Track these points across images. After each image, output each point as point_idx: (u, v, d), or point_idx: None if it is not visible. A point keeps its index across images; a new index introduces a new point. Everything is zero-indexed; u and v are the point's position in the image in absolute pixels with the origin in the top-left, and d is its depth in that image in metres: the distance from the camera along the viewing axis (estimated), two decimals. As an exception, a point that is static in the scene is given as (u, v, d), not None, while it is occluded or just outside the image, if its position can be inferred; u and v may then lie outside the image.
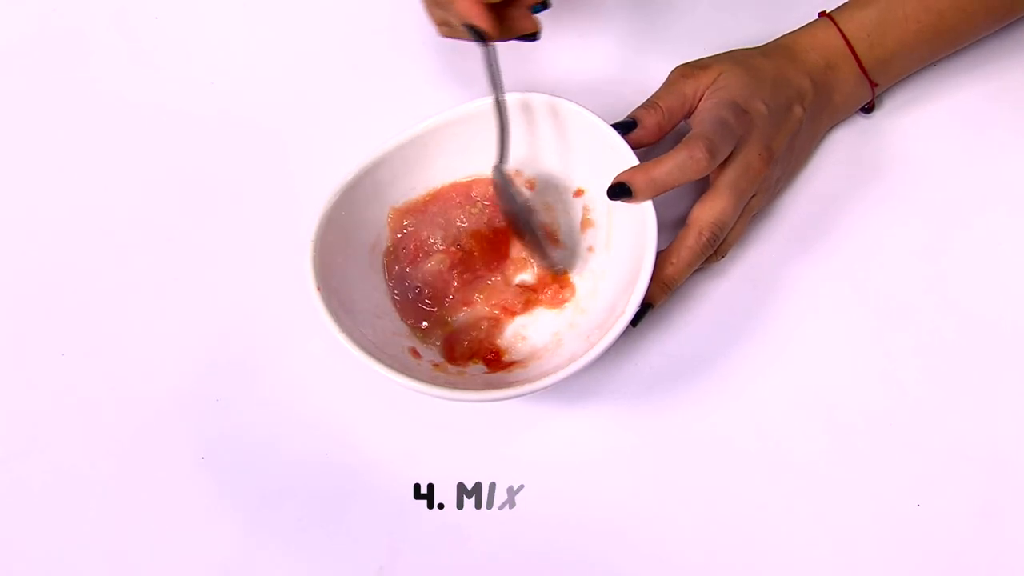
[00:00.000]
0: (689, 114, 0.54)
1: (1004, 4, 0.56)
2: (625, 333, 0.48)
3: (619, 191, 0.50)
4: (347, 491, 0.52)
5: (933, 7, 0.55)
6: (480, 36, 0.50)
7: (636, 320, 0.50)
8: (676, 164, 0.49)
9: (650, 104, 0.54)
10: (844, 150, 0.59)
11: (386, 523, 0.51)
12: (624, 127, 0.53)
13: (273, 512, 0.52)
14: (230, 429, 0.54)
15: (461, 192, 0.56)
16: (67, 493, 0.53)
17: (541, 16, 0.53)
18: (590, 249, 0.55)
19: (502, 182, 0.53)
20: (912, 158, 0.59)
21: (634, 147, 0.52)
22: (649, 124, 0.54)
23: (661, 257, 0.51)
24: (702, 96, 0.54)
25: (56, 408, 0.55)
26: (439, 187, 0.56)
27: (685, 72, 0.55)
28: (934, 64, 0.60)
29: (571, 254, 0.55)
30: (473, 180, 0.56)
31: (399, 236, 0.55)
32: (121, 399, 0.55)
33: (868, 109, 0.59)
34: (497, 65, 0.52)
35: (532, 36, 0.53)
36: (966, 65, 0.60)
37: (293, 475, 0.53)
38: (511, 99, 0.54)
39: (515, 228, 0.55)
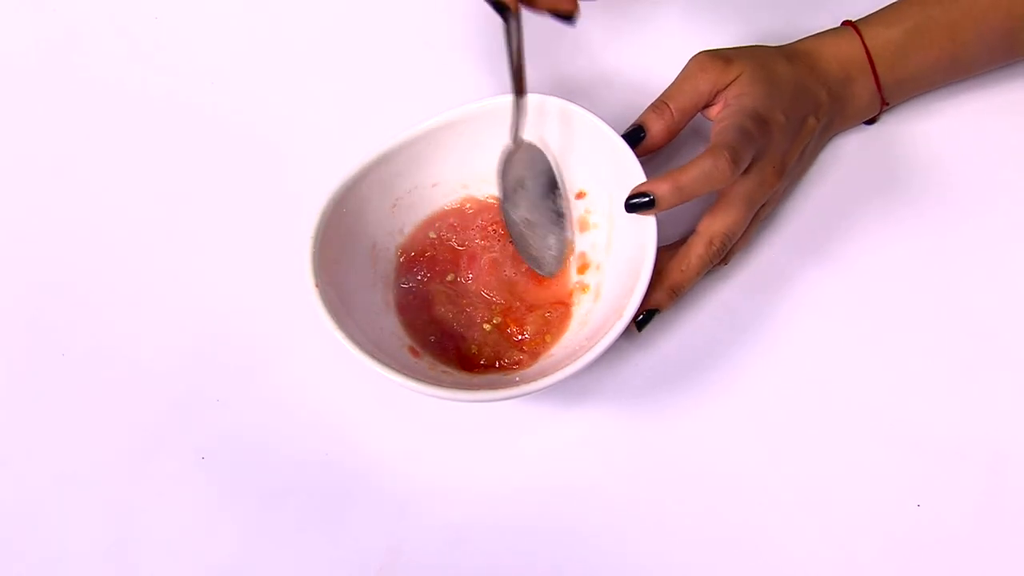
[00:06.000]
0: (703, 108, 0.54)
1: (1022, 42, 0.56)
2: (625, 334, 0.48)
3: (640, 202, 0.49)
4: (347, 491, 0.52)
5: (958, 37, 0.55)
6: (501, 7, 0.47)
7: (641, 325, 0.50)
8: (701, 173, 0.48)
9: (660, 106, 0.53)
10: (850, 155, 0.59)
11: (386, 523, 0.51)
12: (632, 137, 0.53)
13: (273, 512, 0.52)
14: (230, 429, 0.54)
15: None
16: (67, 493, 0.53)
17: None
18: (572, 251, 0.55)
19: (503, 167, 0.54)
20: (917, 163, 0.59)
21: (642, 155, 0.52)
22: (656, 131, 0.53)
23: (670, 264, 0.51)
24: (719, 92, 0.53)
25: (56, 408, 0.55)
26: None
27: (705, 64, 0.53)
28: None
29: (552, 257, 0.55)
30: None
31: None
32: (121, 399, 0.55)
33: (871, 120, 0.59)
34: (519, 42, 0.49)
35: (568, 18, 0.47)
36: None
37: (293, 475, 0.53)
38: (513, 100, 0.54)
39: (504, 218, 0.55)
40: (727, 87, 0.53)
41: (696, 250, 0.51)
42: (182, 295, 0.58)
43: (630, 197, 0.49)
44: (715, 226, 0.51)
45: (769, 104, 0.52)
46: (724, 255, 0.52)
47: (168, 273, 0.59)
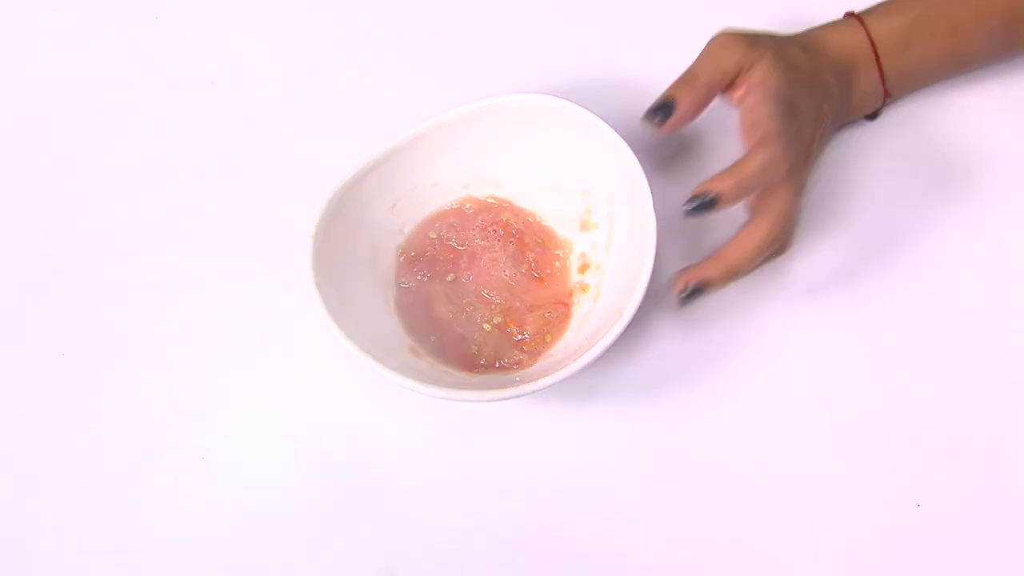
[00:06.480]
0: (724, 90, 0.52)
1: None
2: (626, 334, 0.48)
3: (703, 203, 0.47)
4: (347, 491, 0.52)
5: (960, 29, 0.55)
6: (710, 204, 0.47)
7: (687, 300, 0.49)
8: (762, 163, 0.47)
9: (690, 79, 0.51)
10: (850, 153, 0.59)
11: (386, 523, 0.51)
12: (661, 111, 0.50)
13: (273, 512, 0.52)
14: (230, 429, 0.54)
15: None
16: (67, 493, 0.53)
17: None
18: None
19: None
20: (919, 162, 0.59)
21: (669, 132, 0.50)
22: (686, 105, 0.51)
23: (729, 245, 0.49)
24: (742, 73, 0.51)
25: (56, 408, 0.55)
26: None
27: (728, 43, 0.51)
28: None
29: None
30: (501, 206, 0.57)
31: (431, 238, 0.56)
32: (121, 399, 0.55)
33: (873, 116, 0.59)
34: None
35: None
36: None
37: (293, 475, 0.53)
38: (514, 100, 0.54)
39: None
40: (751, 68, 0.51)
41: (759, 232, 0.49)
42: (182, 295, 0.58)
43: (691, 200, 0.47)
44: (777, 206, 0.49)
45: (792, 91, 0.51)
46: (784, 239, 0.51)
47: (168, 273, 0.59)
